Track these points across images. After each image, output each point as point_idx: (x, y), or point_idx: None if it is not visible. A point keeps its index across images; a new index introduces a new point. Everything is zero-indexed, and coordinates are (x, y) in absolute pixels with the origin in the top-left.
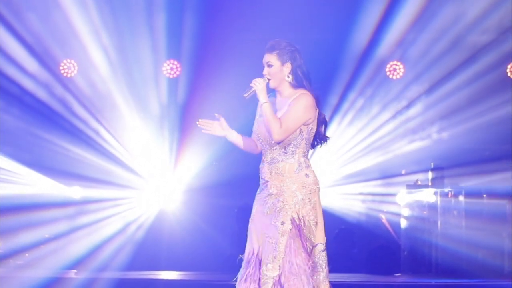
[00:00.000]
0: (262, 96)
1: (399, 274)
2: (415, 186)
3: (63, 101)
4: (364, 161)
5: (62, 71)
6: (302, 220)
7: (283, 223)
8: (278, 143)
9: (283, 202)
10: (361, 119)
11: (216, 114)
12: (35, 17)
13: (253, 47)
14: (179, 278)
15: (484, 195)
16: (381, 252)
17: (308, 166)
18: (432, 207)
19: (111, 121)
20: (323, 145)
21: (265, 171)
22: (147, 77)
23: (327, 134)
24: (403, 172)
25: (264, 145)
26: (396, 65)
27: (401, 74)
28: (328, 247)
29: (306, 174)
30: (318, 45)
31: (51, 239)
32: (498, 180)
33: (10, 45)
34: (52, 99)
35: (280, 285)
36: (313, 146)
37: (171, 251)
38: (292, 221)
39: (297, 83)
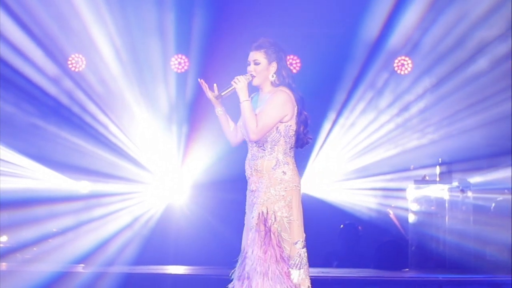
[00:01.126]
0: (243, 94)
1: (407, 269)
2: (423, 181)
3: (71, 95)
4: (371, 156)
5: (70, 66)
6: (273, 215)
7: (253, 217)
8: (256, 141)
9: (257, 198)
10: (368, 114)
11: (215, 85)
12: (44, 11)
13: None
14: (186, 273)
15: (492, 191)
16: (389, 247)
17: (287, 163)
18: (440, 202)
19: (119, 115)
20: (304, 146)
21: (247, 167)
22: (155, 71)
23: (312, 136)
24: (411, 167)
25: (247, 142)
26: (404, 60)
27: (409, 69)
28: (335, 242)
29: (283, 171)
30: (327, 40)
31: (59, 233)
32: (506, 176)
33: (19, 39)
34: (60, 93)
35: (249, 279)
36: (297, 146)
37: (179, 246)
38: (260, 215)
39: (279, 83)
